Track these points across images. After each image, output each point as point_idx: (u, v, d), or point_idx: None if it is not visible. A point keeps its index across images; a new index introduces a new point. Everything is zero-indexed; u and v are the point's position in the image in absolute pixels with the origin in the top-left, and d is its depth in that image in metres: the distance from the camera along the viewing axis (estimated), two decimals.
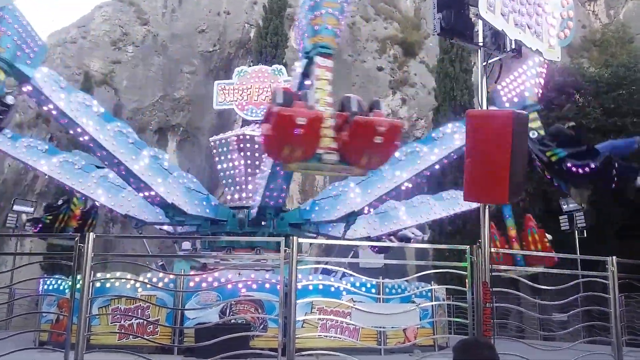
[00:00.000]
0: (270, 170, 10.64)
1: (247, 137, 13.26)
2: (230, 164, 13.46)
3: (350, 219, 12.37)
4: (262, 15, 29.71)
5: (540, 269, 9.76)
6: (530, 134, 10.53)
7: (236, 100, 14.90)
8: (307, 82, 8.93)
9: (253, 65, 21.83)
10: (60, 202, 13.25)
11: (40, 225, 12.49)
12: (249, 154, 13.20)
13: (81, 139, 10.53)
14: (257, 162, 13.17)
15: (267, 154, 6.89)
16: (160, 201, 11.40)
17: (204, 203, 12.30)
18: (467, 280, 6.33)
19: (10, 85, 10.16)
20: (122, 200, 12.41)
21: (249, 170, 13.25)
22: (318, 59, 8.10)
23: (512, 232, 12.12)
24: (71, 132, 10.68)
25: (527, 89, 10.75)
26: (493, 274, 6.06)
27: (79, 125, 10.30)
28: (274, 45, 27.09)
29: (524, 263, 11.06)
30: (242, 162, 13.16)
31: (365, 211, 12.45)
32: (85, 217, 12.97)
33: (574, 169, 9.30)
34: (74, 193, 12.60)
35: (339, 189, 12.80)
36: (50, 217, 12.53)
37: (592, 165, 9.35)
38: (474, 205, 12.86)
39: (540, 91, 11.03)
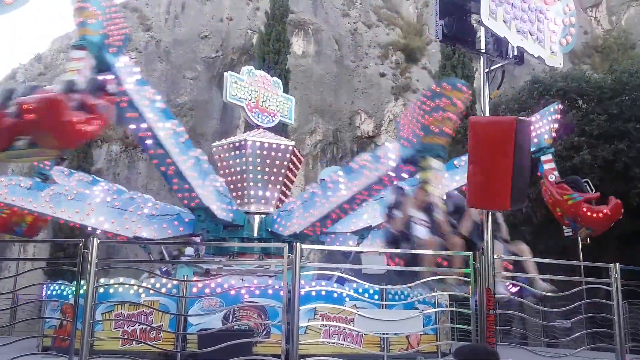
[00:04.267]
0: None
1: (249, 142, 13.28)
2: (232, 170, 13.47)
3: (364, 233, 12.40)
4: (264, 21, 29.81)
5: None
6: (549, 177, 11.08)
7: (246, 99, 14.72)
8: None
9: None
10: None
11: None
12: (250, 159, 13.24)
13: (141, 134, 10.13)
14: (258, 168, 13.20)
15: None
16: (197, 204, 11.31)
17: (228, 207, 12.32)
18: (470, 287, 6.33)
19: None
20: (126, 223, 12.20)
21: (250, 176, 13.27)
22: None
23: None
24: (132, 126, 10.17)
25: (544, 132, 11.33)
26: (496, 280, 6.07)
27: (146, 121, 9.91)
28: (276, 52, 27.16)
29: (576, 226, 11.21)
30: (245, 167, 13.16)
31: (311, 233, 12.31)
32: None
33: (589, 213, 10.51)
34: None
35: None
36: (7, 211, 12.13)
37: (605, 211, 10.53)
38: None
39: (555, 135, 11.55)
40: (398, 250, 8.16)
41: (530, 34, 7.06)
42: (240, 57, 36.43)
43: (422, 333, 9.71)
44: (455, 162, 12.56)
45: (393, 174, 10.19)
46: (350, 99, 35.03)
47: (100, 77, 7.40)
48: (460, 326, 9.03)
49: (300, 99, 32.14)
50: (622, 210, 11.22)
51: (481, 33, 7.07)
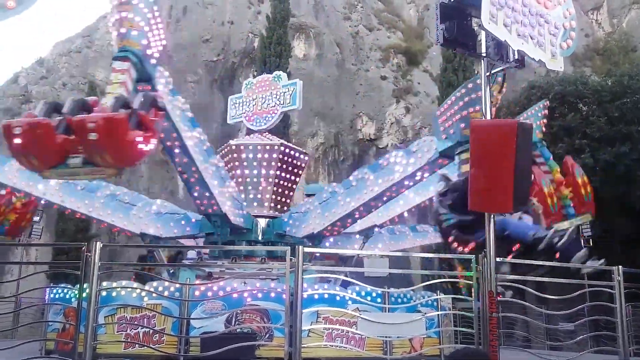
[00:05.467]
0: None
1: (242, 146, 13.34)
2: (232, 172, 13.49)
3: (369, 232, 12.37)
4: (265, 25, 29.89)
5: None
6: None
7: (244, 112, 14.99)
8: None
9: (257, 75, 21.97)
10: (2, 192, 12.52)
11: None
12: (244, 163, 13.26)
13: (169, 143, 9.99)
14: (246, 171, 13.22)
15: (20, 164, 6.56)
16: (215, 210, 11.26)
17: (240, 211, 12.33)
18: (472, 290, 6.34)
19: None
20: (134, 218, 12.19)
21: (240, 179, 13.27)
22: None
23: (558, 175, 10.77)
24: (162, 135, 9.56)
25: (535, 128, 11.08)
26: (499, 283, 6.08)
27: (177, 131, 9.80)
28: (278, 55, 27.23)
29: (574, 212, 10.31)
30: (246, 171, 13.19)
31: (327, 234, 12.34)
32: (23, 210, 12.77)
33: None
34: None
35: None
36: None
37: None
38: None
39: (544, 129, 11.48)
40: (398, 253, 8.19)
41: (531, 37, 7.08)
42: (241, 60, 36.55)
43: (425, 336, 9.71)
44: (381, 161, 12.39)
45: (427, 168, 10.09)
46: (351, 102, 35.09)
47: (152, 93, 7.34)
48: (464, 329, 9.04)
49: (302, 102, 32.21)
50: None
51: (482, 37, 7.08)
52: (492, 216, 6.36)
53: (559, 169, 10.81)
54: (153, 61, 8.58)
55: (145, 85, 8.29)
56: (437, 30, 6.85)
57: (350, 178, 11.98)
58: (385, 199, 11.12)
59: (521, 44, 6.88)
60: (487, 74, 7.13)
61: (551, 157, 11.28)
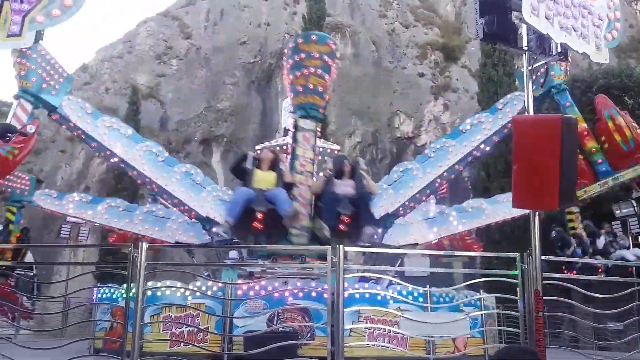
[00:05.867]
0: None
1: (285, 147, 13.40)
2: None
3: (386, 222, 12.13)
4: (301, 25, 30.00)
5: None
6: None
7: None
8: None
9: None
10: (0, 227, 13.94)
11: None
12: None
13: (111, 160, 10.97)
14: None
15: None
16: (195, 215, 11.52)
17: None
18: (518, 289, 6.23)
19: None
20: (169, 230, 12.74)
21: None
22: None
23: (583, 125, 9.93)
24: (101, 154, 11.20)
25: (551, 66, 10.28)
26: (545, 282, 5.95)
27: (107, 148, 10.74)
28: None
29: (609, 168, 9.48)
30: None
31: (401, 212, 12.21)
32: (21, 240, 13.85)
33: None
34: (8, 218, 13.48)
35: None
36: None
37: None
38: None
39: (564, 68, 10.70)
40: (441, 253, 8.11)
41: (574, 29, 6.91)
42: (278, 61, 36.78)
43: (469, 336, 9.57)
44: (461, 127, 11.89)
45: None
46: (388, 100, 34.87)
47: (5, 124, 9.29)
48: (508, 329, 8.87)
49: (339, 102, 32.19)
50: None
51: (523, 30, 6.95)
52: (536, 213, 6.23)
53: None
54: (53, 92, 10.25)
55: (54, 114, 10.32)
56: (477, 25, 6.75)
57: (426, 151, 11.85)
58: (470, 159, 11.16)
59: (564, 37, 6.73)
60: (529, 68, 7.00)
61: (568, 104, 10.55)
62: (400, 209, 11.65)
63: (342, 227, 9.40)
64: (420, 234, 12.40)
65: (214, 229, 11.98)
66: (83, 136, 10.78)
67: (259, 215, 9.31)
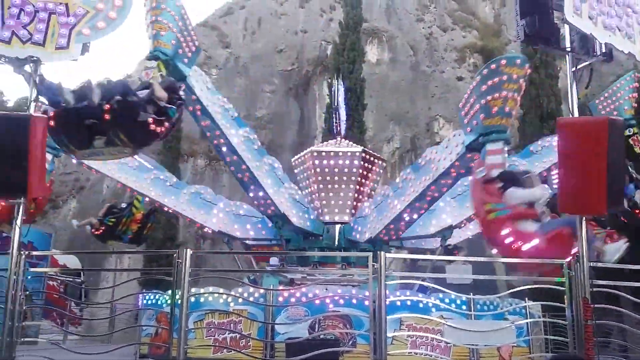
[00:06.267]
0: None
1: (323, 153, 13.46)
2: (307, 182, 13.71)
3: (446, 233, 12.04)
4: (338, 31, 30.07)
5: None
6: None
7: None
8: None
9: (330, 81, 22.17)
10: (123, 205, 13.21)
11: (103, 228, 12.59)
12: (325, 169, 13.38)
13: (215, 141, 10.65)
14: (327, 178, 13.36)
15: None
16: (274, 211, 11.62)
17: (306, 216, 12.54)
18: (565, 297, 6.06)
19: None
20: (214, 217, 12.77)
21: (321, 186, 13.40)
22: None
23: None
24: (208, 134, 10.72)
25: (623, 103, 10.25)
26: (593, 289, 5.78)
27: (219, 128, 10.32)
28: (351, 61, 27.27)
29: None
30: (327, 178, 13.33)
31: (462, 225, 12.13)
32: (145, 221, 12.99)
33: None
34: (135, 197, 12.75)
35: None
36: (113, 220, 12.59)
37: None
38: None
39: (635, 104, 10.40)
40: (481, 259, 7.96)
41: (619, 29, 6.72)
42: (315, 68, 36.97)
43: (514, 345, 9.37)
44: (532, 148, 12.00)
45: (458, 165, 9.60)
46: (427, 104, 34.55)
47: (172, 79, 7.77)
48: (555, 338, 8.64)
49: (376, 107, 32.06)
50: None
51: (565, 31, 6.79)
52: (583, 219, 6.06)
53: None
54: (185, 60, 9.36)
55: (180, 83, 8.66)
56: (517, 26, 6.64)
57: (397, 180, 11.86)
58: (428, 199, 10.71)
59: (608, 37, 6.56)
60: (573, 69, 6.83)
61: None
62: (381, 234, 11.66)
63: None
64: (452, 214, 12.22)
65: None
66: (199, 113, 10.18)
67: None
